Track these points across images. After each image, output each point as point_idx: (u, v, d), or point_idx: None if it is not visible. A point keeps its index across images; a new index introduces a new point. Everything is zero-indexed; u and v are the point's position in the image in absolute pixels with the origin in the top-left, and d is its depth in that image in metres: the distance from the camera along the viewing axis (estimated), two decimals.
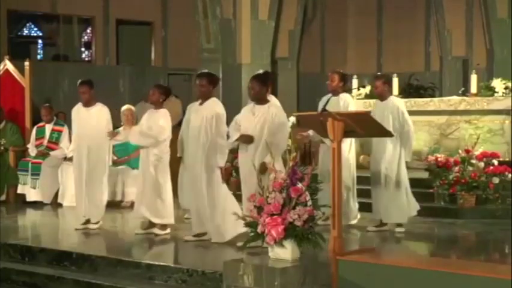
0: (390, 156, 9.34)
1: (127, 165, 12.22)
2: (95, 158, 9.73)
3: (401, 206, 9.39)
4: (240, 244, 7.81)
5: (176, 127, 9.99)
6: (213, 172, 8.50)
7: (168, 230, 9.33)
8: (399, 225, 9.46)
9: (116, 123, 11.31)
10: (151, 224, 9.36)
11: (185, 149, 8.85)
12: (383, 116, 9.11)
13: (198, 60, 17.42)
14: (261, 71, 8.64)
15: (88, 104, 9.82)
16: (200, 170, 8.51)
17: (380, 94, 9.52)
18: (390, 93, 9.79)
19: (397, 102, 9.50)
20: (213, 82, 8.70)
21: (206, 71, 9.07)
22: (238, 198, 8.52)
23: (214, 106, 8.59)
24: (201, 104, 8.64)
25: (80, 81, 9.90)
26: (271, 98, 8.61)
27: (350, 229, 9.48)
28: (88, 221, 9.82)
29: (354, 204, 9.91)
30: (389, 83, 9.69)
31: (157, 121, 9.30)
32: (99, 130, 9.73)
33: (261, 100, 8.22)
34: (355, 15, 22.36)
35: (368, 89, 13.82)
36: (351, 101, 9.80)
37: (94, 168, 9.73)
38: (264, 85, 8.20)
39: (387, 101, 9.44)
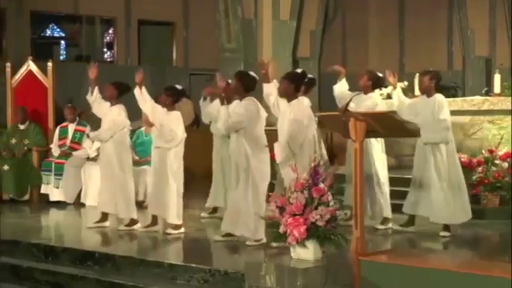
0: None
1: (148, 166, 12.23)
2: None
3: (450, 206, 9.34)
4: (249, 243, 8.01)
5: (189, 127, 10.03)
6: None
7: (182, 229, 9.36)
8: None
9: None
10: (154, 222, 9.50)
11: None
12: (425, 111, 9.04)
13: (219, 60, 17.44)
14: (298, 70, 8.71)
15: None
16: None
17: (425, 90, 9.36)
18: (436, 90, 9.54)
19: (440, 99, 9.29)
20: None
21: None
22: None
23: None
24: None
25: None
26: (302, 99, 8.55)
27: (373, 229, 9.44)
28: (102, 220, 9.93)
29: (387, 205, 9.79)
30: (437, 79, 9.44)
31: (170, 125, 9.34)
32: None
33: (288, 97, 8.21)
34: (376, 14, 22.29)
35: (390, 89, 13.74)
36: (379, 101, 9.72)
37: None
38: (292, 83, 8.22)
39: (433, 97, 9.29)
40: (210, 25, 18.78)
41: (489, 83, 16.72)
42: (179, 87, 9.75)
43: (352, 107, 8.83)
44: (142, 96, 9.47)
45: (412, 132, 7.22)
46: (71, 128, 12.87)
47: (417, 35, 21.35)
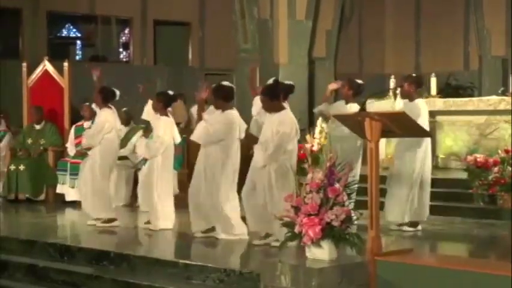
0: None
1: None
2: None
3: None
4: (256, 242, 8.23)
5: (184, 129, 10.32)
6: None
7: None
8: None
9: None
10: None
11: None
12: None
13: (235, 60, 17.44)
14: (270, 81, 8.92)
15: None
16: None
17: (406, 95, 9.48)
18: (418, 95, 9.64)
19: (421, 105, 9.39)
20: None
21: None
22: None
23: None
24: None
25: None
26: (289, 112, 8.62)
27: (387, 229, 9.41)
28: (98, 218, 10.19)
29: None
30: (416, 84, 9.56)
31: (157, 131, 9.72)
32: None
33: (274, 110, 8.38)
34: (393, 15, 22.24)
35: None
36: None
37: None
38: (271, 96, 8.38)
39: (414, 102, 9.38)
40: (225, 25, 18.80)
41: (505, 82, 16.65)
42: (171, 92, 10.08)
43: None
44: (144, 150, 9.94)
45: (426, 132, 7.21)
46: (87, 126, 12.89)
47: (433, 35, 21.28)
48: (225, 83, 8.94)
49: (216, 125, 8.70)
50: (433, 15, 21.33)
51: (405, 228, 9.38)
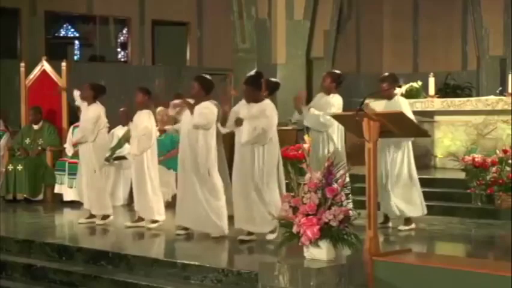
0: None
1: (162, 165, 12.24)
2: None
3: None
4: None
5: None
6: None
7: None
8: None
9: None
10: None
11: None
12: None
13: (233, 60, 17.44)
14: (252, 73, 9.06)
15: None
16: None
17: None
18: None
19: (401, 101, 9.57)
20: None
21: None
22: None
23: None
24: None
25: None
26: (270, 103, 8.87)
27: (386, 229, 9.43)
28: (92, 216, 10.36)
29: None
30: (394, 82, 9.67)
31: (142, 123, 9.92)
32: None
33: (254, 99, 8.66)
34: (391, 14, 22.22)
35: (404, 88, 13.72)
36: (341, 101, 9.75)
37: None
38: (252, 86, 8.67)
39: (393, 100, 9.53)
40: (224, 25, 18.79)
41: (503, 82, 16.65)
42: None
43: (312, 106, 9.51)
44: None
45: (424, 132, 7.21)
46: None
47: (431, 35, 21.27)
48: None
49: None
50: (431, 15, 21.32)
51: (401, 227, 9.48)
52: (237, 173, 8.71)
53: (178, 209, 9.11)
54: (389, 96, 9.60)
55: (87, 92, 10.34)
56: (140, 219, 10.00)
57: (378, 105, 9.67)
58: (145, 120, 9.89)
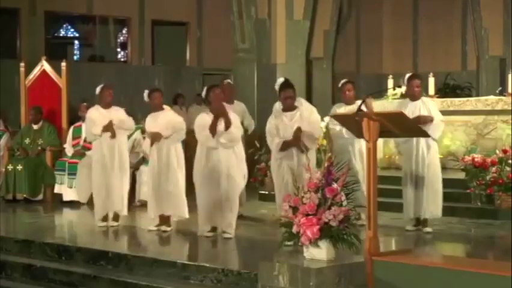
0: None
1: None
2: None
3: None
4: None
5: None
6: None
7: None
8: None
9: None
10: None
11: None
12: None
13: (233, 60, 17.44)
14: (282, 79, 9.32)
15: None
16: None
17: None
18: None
19: (431, 102, 9.56)
20: None
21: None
22: (272, 198, 8.62)
23: None
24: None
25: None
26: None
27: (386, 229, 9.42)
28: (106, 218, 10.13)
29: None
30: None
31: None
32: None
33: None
34: (390, 15, 22.23)
35: (404, 88, 13.69)
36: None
37: None
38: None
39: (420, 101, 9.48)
40: (223, 25, 18.78)
41: (503, 82, 16.64)
42: None
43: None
44: None
45: (424, 132, 7.21)
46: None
47: (431, 35, 21.28)
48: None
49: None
50: (431, 15, 21.33)
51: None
52: None
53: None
54: (417, 97, 9.49)
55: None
56: (163, 221, 9.61)
57: (400, 105, 9.59)
58: (176, 116, 9.82)
